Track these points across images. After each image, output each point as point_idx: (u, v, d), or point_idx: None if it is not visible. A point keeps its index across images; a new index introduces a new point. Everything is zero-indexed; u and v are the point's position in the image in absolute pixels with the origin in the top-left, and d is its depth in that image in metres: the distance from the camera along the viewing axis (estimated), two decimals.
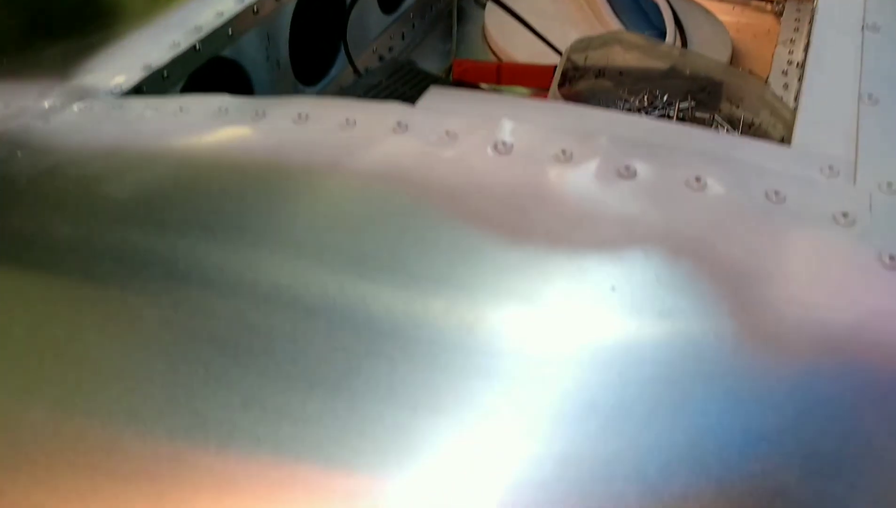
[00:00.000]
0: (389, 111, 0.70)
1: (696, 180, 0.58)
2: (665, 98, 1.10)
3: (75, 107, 0.86)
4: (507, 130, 0.65)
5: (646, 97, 1.10)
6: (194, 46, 1.00)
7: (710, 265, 0.54)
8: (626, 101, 1.10)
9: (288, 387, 0.52)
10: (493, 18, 1.50)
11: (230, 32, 1.06)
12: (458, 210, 0.60)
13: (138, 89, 0.92)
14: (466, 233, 0.59)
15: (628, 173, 0.60)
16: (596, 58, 1.14)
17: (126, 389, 0.56)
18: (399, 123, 0.67)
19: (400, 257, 0.58)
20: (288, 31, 1.25)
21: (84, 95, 0.89)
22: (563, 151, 0.62)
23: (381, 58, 1.51)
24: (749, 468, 0.47)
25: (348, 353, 0.53)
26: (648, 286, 0.53)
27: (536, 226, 0.58)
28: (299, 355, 0.54)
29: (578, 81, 1.13)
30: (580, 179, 0.61)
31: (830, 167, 0.61)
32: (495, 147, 0.64)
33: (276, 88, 1.26)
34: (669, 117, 1.07)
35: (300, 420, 0.51)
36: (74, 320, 0.61)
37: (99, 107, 0.85)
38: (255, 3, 1.09)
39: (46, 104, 0.87)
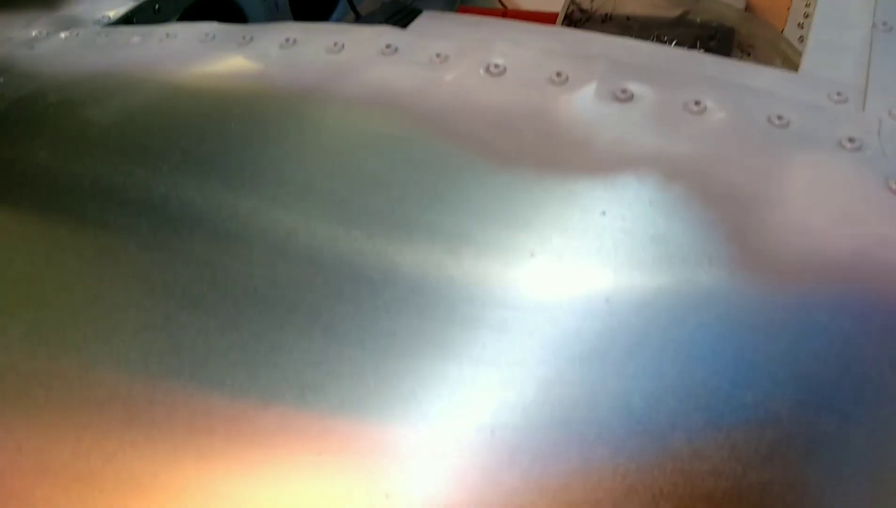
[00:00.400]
0: (379, 34, 0.67)
1: (696, 104, 0.55)
2: (673, 45, 1.06)
3: (62, 35, 0.83)
4: (499, 52, 0.62)
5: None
6: None
7: (707, 190, 0.51)
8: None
9: (265, 313, 0.51)
10: None
11: None
12: (447, 133, 0.58)
13: (127, 20, 0.89)
14: (455, 156, 0.56)
15: (625, 97, 0.57)
16: (602, 2, 1.11)
17: (101, 314, 0.54)
18: (388, 46, 0.64)
19: (385, 181, 0.55)
20: None
21: (72, 24, 0.87)
22: (558, 74, 0.59)
23: (383, 4, 1.47)
24: (740, 397, 0.45)
25: (327, 279, 0.51)
26: (641, 211, 0.51)
27: (528, 149, 0.55)
28: (278, 281, 0.52)
29: (583, 26, 1.09)
30: (575, 102, 0.58)
31: (839, 93, 0.58)
32: (487, 69, 0.61)
33: None
34: None
35: (276, 347, 0.49)
36: (51, 245, 0.59)
37: (85, 34, 0.83)
38: None
39: (33, 33, 0.85)
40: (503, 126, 0.57)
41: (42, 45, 0.82)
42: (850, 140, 0.52)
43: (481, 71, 0.61)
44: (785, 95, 0.58)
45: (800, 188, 0.51)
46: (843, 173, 0.51)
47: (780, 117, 0.55)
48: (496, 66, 0.61)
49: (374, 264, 0.51)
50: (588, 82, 0.59)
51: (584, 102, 0.57)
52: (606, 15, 1.13)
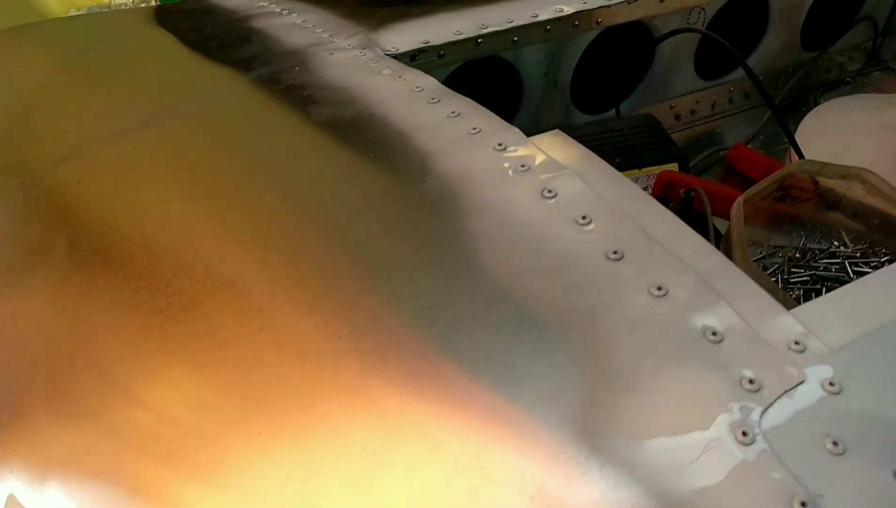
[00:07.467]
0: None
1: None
2: (883, 257, 1.02)
3: (357, 51, 1.07)
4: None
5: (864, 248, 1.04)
6: (476, 40, 1.16)
7: None
8: (841, 243, 1.05)
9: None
10: (810, 125, 1.42)
11: (515, 39, 1.18)
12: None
13: (411, 58, 1.10)
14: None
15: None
16: (830, 186, 1.06)
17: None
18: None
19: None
20: (577, 58, 1.34)
21: (371, 46, 1.09)
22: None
23: (677, 116, 1.55)
24: None
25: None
26: None
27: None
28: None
29: (801, 204, 1.08)
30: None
31: (797, 342, 0.57)
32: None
33: (547, 104, 1.37)
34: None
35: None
36: None
37: (368, 57, 1.05)
38: (547, 22, 1.19)
39: (346, 43, 1.11)
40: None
41: (339, 55, 1.06)
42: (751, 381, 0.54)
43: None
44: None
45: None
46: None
47: (714, 333, 0.57)
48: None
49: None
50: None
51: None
52: (834, 202, 1.06)
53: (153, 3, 2.88)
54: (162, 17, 1.33)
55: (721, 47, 1.32)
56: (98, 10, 2.87)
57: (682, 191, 1.09)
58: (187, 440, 0.62)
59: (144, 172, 0.88)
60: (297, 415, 0.60)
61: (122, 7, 2.91)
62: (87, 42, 1.30)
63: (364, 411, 0.59)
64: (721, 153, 1.51)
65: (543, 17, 1.19)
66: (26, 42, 1.34)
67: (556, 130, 0.84)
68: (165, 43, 1.22)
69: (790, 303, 0.63)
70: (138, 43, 1.27)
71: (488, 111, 0.87)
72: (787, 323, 0.60)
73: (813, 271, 1.03)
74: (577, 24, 1.24)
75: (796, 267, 1.05)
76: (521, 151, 0.79)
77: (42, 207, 0.87)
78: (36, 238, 0.83)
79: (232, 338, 0.66)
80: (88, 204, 0.85)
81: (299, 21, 1.22)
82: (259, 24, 1.23)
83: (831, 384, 0.55)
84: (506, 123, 0.85)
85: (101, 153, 0.93)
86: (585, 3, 1.24)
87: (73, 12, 2.84)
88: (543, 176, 0.75)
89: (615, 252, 0.66)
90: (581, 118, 1.44)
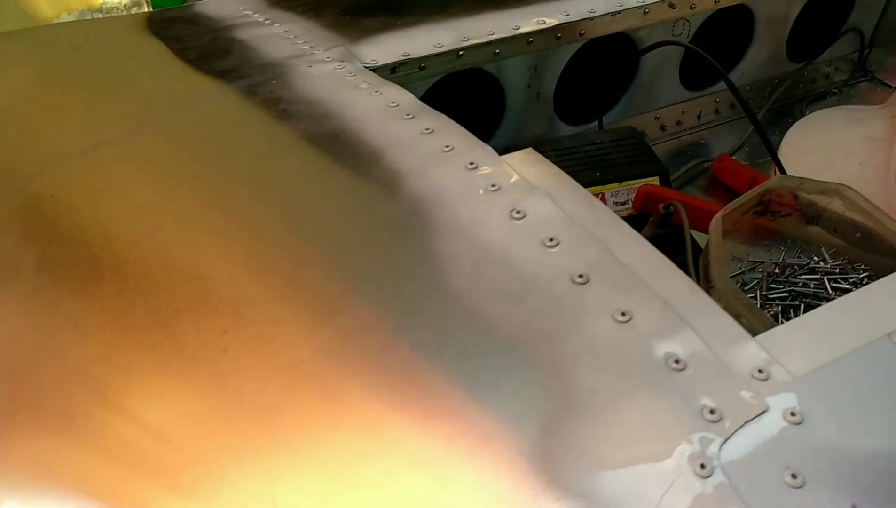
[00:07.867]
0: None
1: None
2: (862, 274, 1.00)
3: (335, 64, 1.06)
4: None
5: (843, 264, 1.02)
6: (457, 52, 1.15)
7: None
8: (821, 259, 1.03)
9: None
10: (795, 137, 1.43)
11: (497, 52, 1.18)
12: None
13: (392, 70, 1.10)
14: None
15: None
16: (810, 201, 1.04)
17: None
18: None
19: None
20: (560, 70, 1.34)
21: (350, 59, 1.08)
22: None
23: (662, 127, 1.54)
24: None
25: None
26: None
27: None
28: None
29: (781, 219, 1.07)
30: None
31: (760, 370, 0.56)
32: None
33: (530, 116, 1.36)
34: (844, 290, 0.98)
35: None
36: None
37: (347, 70, 1.04)
38: (530, 34, 1.19)
39: (325, 56, 1.10)
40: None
41: (317, 68, 1.05)
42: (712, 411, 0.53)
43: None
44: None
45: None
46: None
47: (677, 361, 0.57)
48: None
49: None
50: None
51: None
52: (813, 217, 1.04)
53: (146, 10, 2.87)
54: (153, 24, 1.32)
55: (706, 59, 1.31)
56: (89, 14, 2.85)
57: (660, 206, 1.09)
58: (153, 462, 0.61)
59: (115, 188, 0.88)
60: (257, 439, 0.60)
61: (114, 11, 2.89)
62: (71, 50, 1.29)
63: (324, 436, 0.59)
64: (706, 165, 1.50)
65: (526, 29, 1.19)
66: (12, 49, 1.33)
67: (530, 149, 0.84)
68: (152, 52, 1.21)
69: (766, 321, 0.62)
70: (124, 52, 1.26)
71: (462, 129, 0.87)
72: (752, 350, 0.59)
73: (792, 288, 1.02)
74: (559, 37, 1.23)
75: (775, 283, 1.04)
76: (493, 171, 0.79)
77: (13, 221, 0.86)
78: (5, 253, 0.82)
79: (195, 360, 0.66)
80: (59, 219, 0.84)
81: (281, 32, 1.21)
82: (242, 34, 1.22)
83: (793, 413, 0.55)
84: (479, 141, 0.84)
85: (73, 167, 0.92)
86: (568, 14, 1.23)
87: (63, 16, 2.83)
88: (513, 196, 0.75)
89: (581, 276, 0.66)
90: (564, 130, 1.43)
